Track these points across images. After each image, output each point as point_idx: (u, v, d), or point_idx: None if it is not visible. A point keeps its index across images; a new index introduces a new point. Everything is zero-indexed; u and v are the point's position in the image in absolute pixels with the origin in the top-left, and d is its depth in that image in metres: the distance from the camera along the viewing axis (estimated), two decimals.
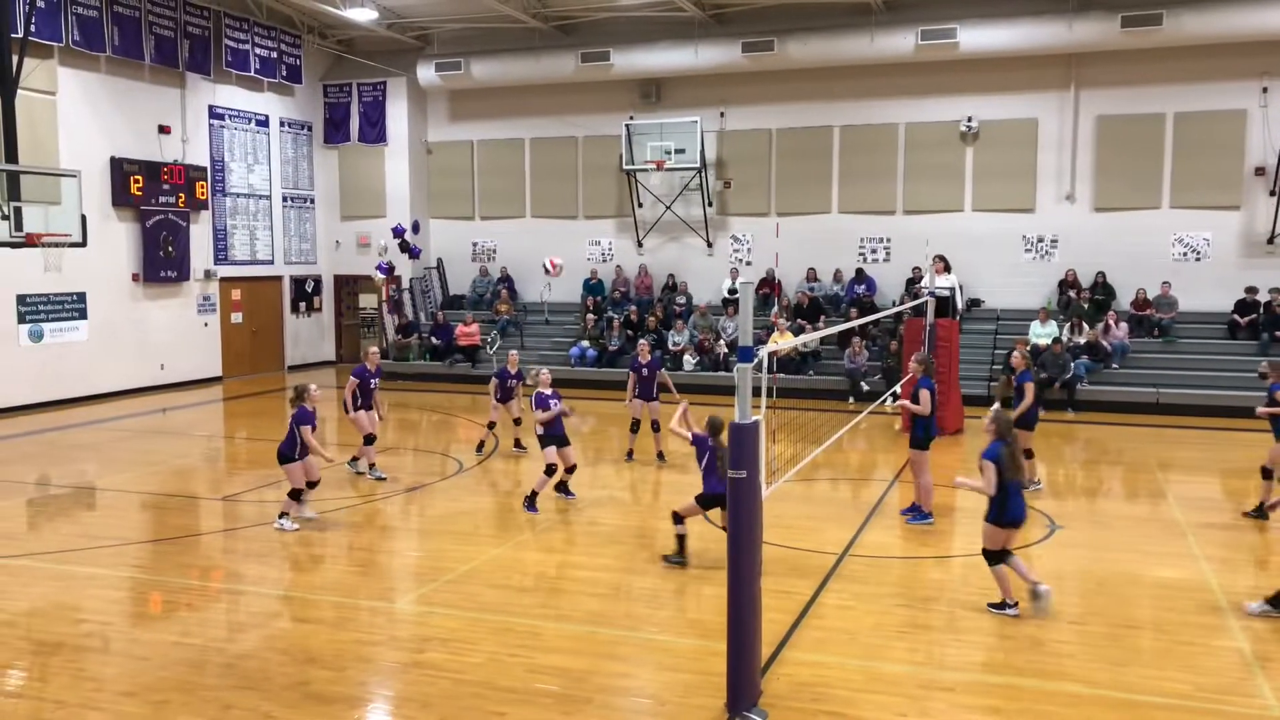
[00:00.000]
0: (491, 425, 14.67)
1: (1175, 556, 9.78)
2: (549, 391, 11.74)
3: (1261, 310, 19.56)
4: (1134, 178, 20.95)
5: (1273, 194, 19.93)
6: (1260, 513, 11.06)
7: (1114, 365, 19.44)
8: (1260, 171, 20.22)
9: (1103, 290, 20.88)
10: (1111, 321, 19.77)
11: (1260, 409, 11.16)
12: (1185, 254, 20.84)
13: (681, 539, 9.43)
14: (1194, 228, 20.74)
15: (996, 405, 8.85)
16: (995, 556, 8.15)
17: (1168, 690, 6.74)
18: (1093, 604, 8.47)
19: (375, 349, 13.76)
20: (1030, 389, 12.10)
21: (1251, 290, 19.83)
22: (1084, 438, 16.61)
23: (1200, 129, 20.46)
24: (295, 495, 10.75)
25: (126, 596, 8.86)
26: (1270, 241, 20.15)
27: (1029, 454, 11.99)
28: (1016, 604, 8.11)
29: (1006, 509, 8.03)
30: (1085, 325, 19.78)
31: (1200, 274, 20.67)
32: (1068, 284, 21.14)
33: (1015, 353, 12.35)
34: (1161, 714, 6.42)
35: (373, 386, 13.11)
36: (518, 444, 14.82)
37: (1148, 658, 7.34)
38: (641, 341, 14.81)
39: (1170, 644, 7.57)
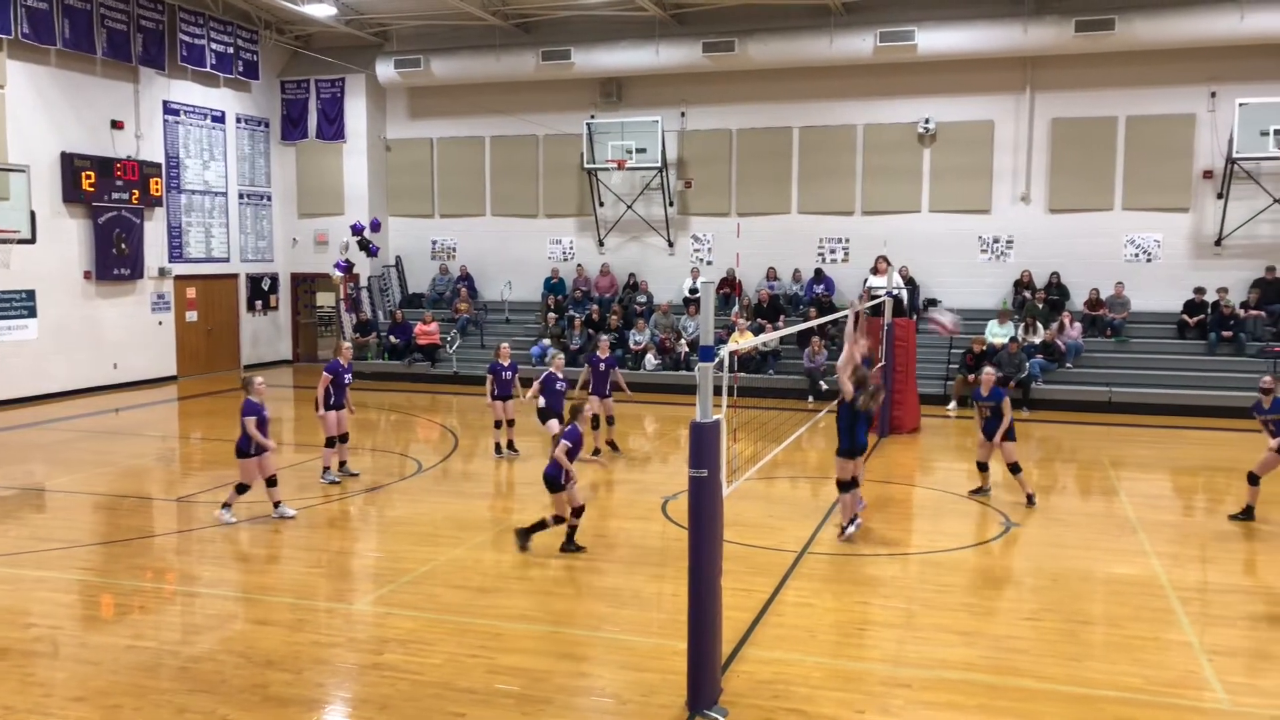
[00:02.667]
0: (498, 425, 14.44)
1: (1127, 552, 9.95)
2: (560, 375, 12.53)
3: (1209, 310, 19.96)
4: (1087, 180, 21.28)
5: (1220, 197, 20.33)
6: (1249, 515, 11.10)
7: (1068, 365, 19.73)
8: (1208, 174, 20.62)
9: (1057, 290, 21.19)
10: (1066, 321, 20.06)
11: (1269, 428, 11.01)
12: (1137, 255, 21.21)
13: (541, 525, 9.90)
14: (1145, 229, 21.11)
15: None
16: (845, 485, 9.88)
17: (1120, 684, 6.85)
18: (1047, 600, 8.60)
19: (348, 344, 13.50)
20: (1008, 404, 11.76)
21: (1200, 291, 20.22)
22: (1038, 436, 16.83)
23: (1151, 132, 20.84)
24: (241, 489, 10.73)
25: (76, 600, 8.70)
26: (1218, 243, 20.56)
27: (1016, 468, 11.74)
28: (855, 521, 9.99)
29: (853, 440, 9.88)
30: (1040, 325, 20.06)
31: (1151, 275, 21.04)
32: (1023, 284, 21.43)
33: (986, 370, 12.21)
34: (1114, 707, 6.53)
35: (346, 383, 12.87)
36: (510, 446, 14.51)
37: (1100, 652, 7.46)
38: (603, 338, 15.12)
39: (1122, 638, 7.70)
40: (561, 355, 13.22)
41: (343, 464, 13.04)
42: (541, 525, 9.81)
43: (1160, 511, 11.74)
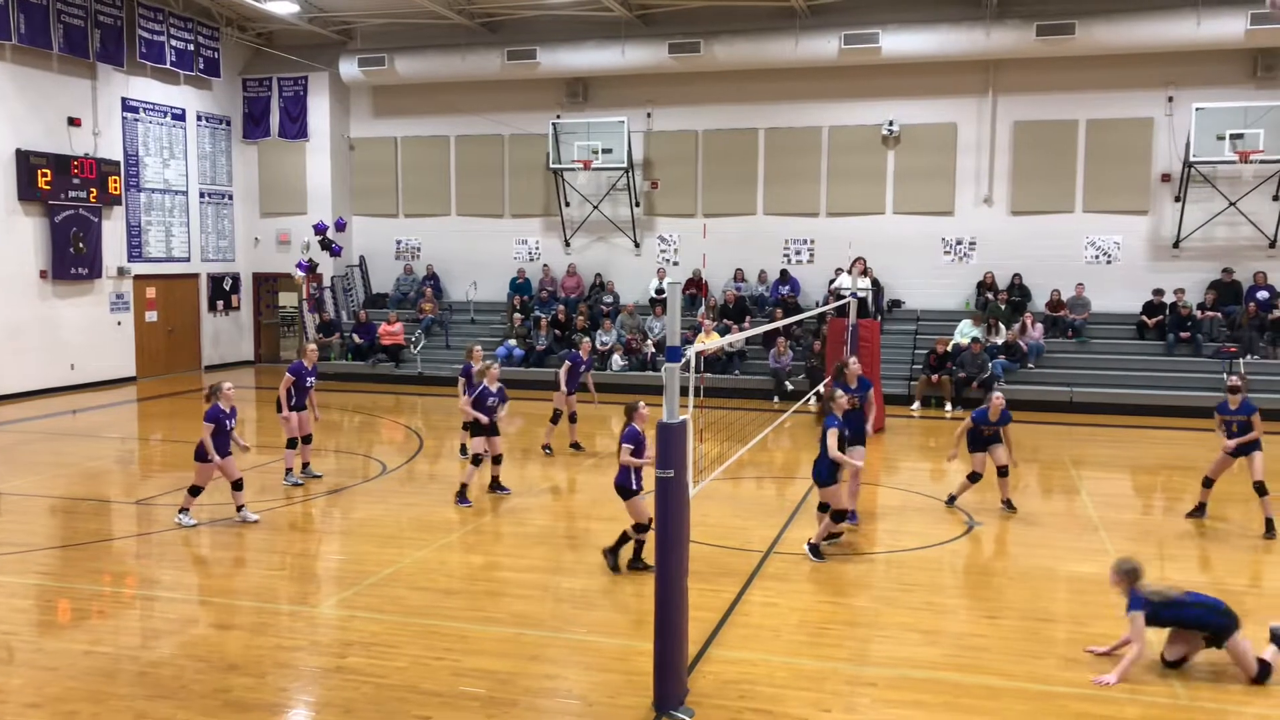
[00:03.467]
0: (465, 426, 14.29)
1: (1088, 551, 10.07)
2: (494, 388, 11.76)
3: (1167, 311, 20.27)
4: (1049, 182, 21.54)
5: (1178, 200, 20.65)
6: (1200, 512, 11.18)
7: (1030, 365, 19.95)
8: (1166, 178, 20.94)
9: (1019, 292, 21.42)
10: (1028, 322, 20.29)
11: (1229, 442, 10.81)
12: (1097, 257, 21.50)
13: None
14: (1105, 231, 21.40)
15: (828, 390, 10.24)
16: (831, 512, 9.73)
17: (1081, 681, 6.93)
18: (1009, 598, 8.68)
19: (314, 346, 13.29)
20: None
21: (1158, 292, 20.53)
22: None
23: (1111, 136, 21.13)
24: (194, 491, 10.69)
25: (33, 605, 8.54)
26: (1175, 245, 20.89)
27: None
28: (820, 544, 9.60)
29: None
30: (1002, 326, 20.27)
31: (1111, 276, 21.34)
32: (986, 285, 21.65)
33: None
34: (1075, 704, 6.60)
35: (308, 385, 12.69)
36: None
37: (1062, 649, 7.54)
38: (586, 340, 15.59)
39: (1084, 636, 7.78)
40: (497, 365, 12.23)
41: (305, 465, 12.91)
42: (624, 539, 9.30)
43: (1120, 510, 11.90)
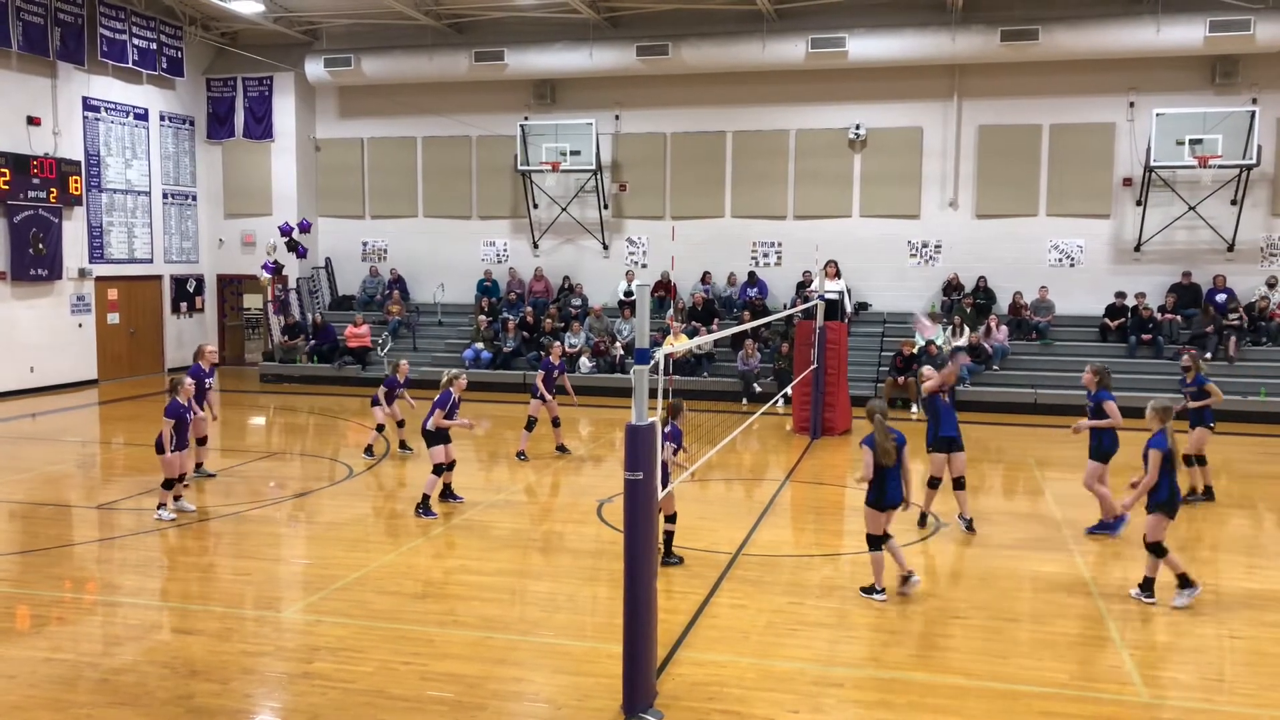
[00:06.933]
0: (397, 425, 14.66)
1: (1052, 551, 10.18)
2: (457, 398, 11.64)
3: (1129, 314, 20.55)
4: (1013, 186, 21.79)
5: (1139, 204, 20.95)
6: (1209, 494, 11.93)
7: (995, 367, 20.15)
8: (1128, 182, 21.24)
9: (984, 294, 21.63)
10: (992, 324, 20.49)
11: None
12: (1060, 260, 21.76)
13: None
14: (1068, 235, 21.67)
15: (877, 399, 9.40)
16: (875, 541, 8.66)
17: (1045, 680, 7.00)
18: (975, 598, 8.75)
19: (212, 346, 13.41)
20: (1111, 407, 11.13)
21: (1120, 295, 20.82)
22: (967, 437, 17.06)
23: (1074, 140, 21.40)
24: (168, 485, 11.01)
25: None
26: (1137, 249, 21.19)
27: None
28: (884, 590, 8.61)
29: (885, 492, 8.59)
30: (967, 328, 20.46)
31: (1074, 279, 21.61)
32: (951, 288, 21.84)
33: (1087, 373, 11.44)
34: (1039, 702, 6.67)
35: (208, 386, 12.89)
36: (403, 445, 14.74)
37: (1026, 649, 7.61)
38: (556, 344, 15.69)
39: (1047, 635, 7.87)
40: (464, 376, 11.84)
41: (199, 465, 12.94)
42: (670, 535, 9.42)
43: (1084, 510, 12.00)
